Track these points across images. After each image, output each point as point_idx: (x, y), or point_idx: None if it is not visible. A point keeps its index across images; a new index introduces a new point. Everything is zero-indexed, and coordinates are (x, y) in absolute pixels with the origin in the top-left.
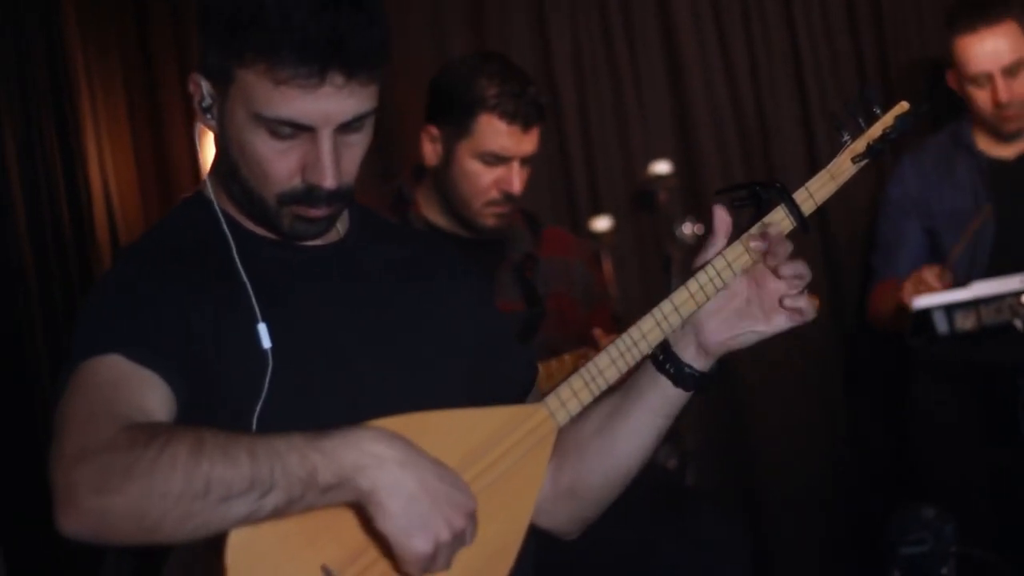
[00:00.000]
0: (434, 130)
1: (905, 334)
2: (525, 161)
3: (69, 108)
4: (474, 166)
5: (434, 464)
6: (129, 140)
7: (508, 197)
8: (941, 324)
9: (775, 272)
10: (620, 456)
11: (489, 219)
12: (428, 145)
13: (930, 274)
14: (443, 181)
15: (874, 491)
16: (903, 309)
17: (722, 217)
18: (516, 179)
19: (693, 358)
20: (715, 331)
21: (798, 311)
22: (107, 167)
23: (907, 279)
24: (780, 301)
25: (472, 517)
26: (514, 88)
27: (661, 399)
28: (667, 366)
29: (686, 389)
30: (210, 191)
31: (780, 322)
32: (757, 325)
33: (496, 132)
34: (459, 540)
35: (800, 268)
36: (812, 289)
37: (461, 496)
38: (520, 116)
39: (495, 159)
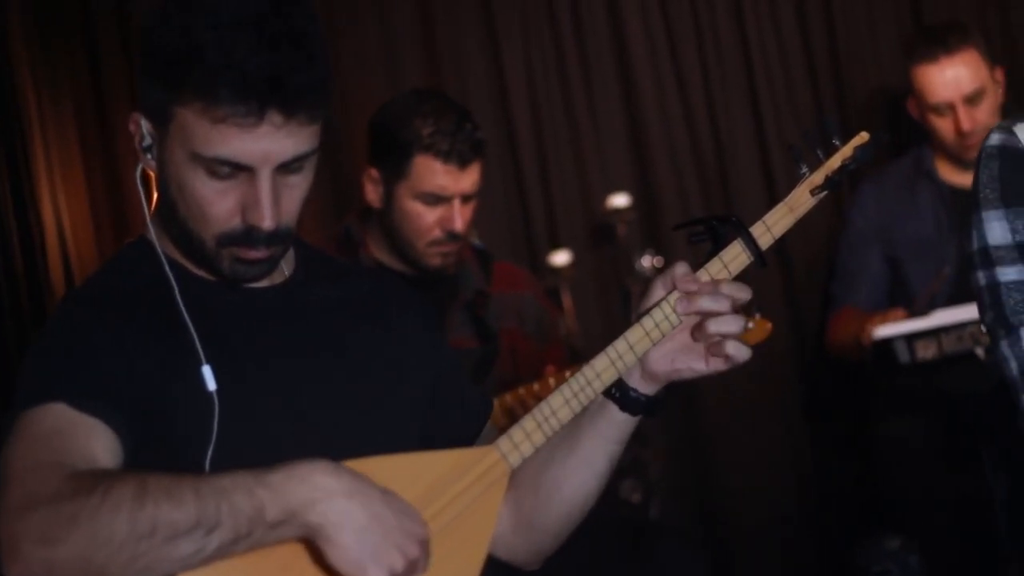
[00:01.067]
0: (375, 172)
1: (866, 363)
2: (467, 198)
3: (21, 150)
4: (415, 207)
5: (383, 493)
6: (83, 181)
7: (451, 236)
8: (903, 353)
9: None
10: (574, 485)
11: (435, 259)
12: (370, 187)
13: (894, 318)
14: (387, 223)
15: (839, 521)
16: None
17: (683, 267)
18: (458, 217)
19: (638, 383)
20: (657, 361)
21: (726, 357)
22: (61, 208)
23: (872, 317)
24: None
25: (424, 545)
26: (448, 126)
27: (609, 424)
28: (613, 391)
29: (632, 414)
30: (152, 234)
31: (717, 364)
32: (696, 363)
33: (432, 172)
34: (412, 568)
35: (722, 327)
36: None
37: (412, 524)
38: (455, 154)
39: (434, 199)
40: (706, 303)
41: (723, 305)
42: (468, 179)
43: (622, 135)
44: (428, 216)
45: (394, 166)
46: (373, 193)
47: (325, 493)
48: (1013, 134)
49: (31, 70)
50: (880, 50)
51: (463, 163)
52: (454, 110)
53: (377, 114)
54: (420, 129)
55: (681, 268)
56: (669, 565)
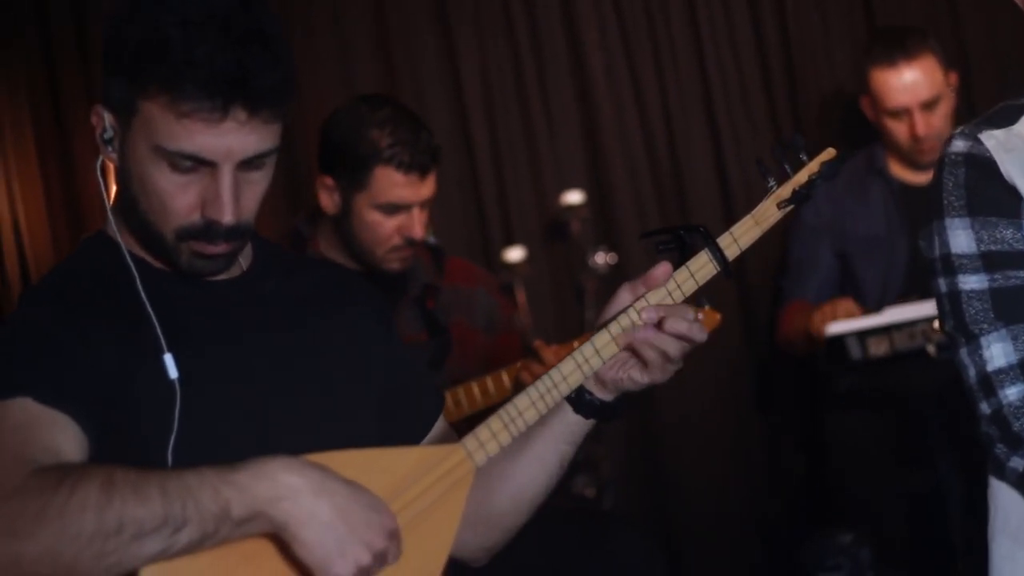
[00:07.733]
0: (329, 181)
1: (818, 359)
2: (424, 204)
3: None
4: (374, 216)
5: (349, 487)
6: (38, 177)
7: (410, 241)
8: (854, 350)
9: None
10: (524, 482)
11: (394, 264)
12: (324, 195)
13: (844, 307)
14: (344, 230)
15: (791, 515)
16: (812, 333)
17: (665, 271)
18: (417, 224)
19: (592, 387)
20: (607, 368)
21: (653, 373)
22: (16, 204)
23: (818, 308)
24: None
25: (394, 535)
26: (406, 136)
27: (562, 425)
28: (570, 392)
29: (585, 416)
30: (113, 227)
31: (656, 376)
32: (637, 374)
33: (393, 183)
34: (381, 560)
35: (670, 347)
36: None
37: (379, 516)
38: (416, 165)
39: (395, 208)
40: (677, 324)
41: (696, 332)
42: (427, 187)
43: (576, 132)
44: (387, 224)
45: (351, 177)
46: (327, 200)
47: (291, 491)
48: (979, 141)
49: None
50: (833, 52)
51: (424, 173)
52: (409, 118)
53: (329, 123)
54: (378, 141)
55: (661, 269)
56: (625, 549)
